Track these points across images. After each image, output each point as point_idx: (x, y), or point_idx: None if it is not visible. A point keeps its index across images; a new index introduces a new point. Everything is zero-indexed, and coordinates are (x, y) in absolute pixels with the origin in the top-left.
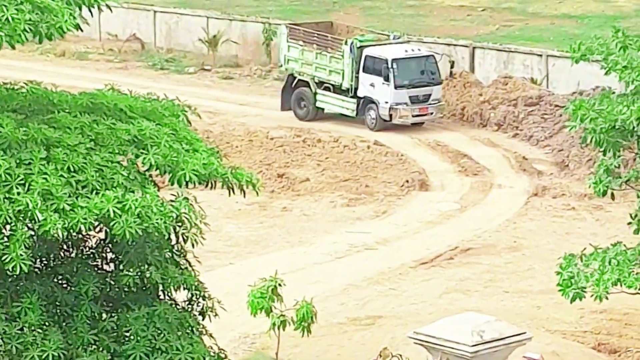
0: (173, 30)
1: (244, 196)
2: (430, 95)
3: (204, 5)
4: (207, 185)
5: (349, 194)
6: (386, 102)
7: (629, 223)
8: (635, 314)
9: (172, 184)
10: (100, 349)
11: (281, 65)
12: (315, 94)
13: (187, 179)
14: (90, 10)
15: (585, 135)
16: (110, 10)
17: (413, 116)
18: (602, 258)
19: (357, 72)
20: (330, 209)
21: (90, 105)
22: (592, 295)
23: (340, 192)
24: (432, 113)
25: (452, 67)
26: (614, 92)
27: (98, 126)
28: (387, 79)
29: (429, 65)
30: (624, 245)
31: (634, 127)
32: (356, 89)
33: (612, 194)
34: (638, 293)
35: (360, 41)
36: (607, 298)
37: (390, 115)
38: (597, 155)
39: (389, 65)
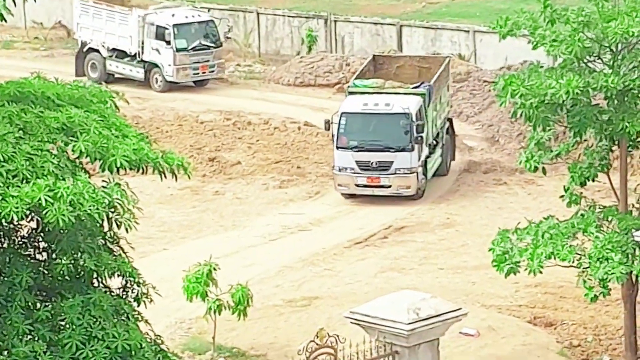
0: None
1: (176, 180)
2: (391, 163)
3: None
4: (138, 171)
5: (281, 176)
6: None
7: (562, 196)
8: (569, 287)
9: (103, 171)
10: (36, 338)
11: None
12: None
13: (118, 165)
14: (14, 0)
15: (515, 110)
16: None
17: (357, 185)
18: (535, 232)
19: None
20: (263, 191)
21: (17, 94)
22: (526, 270)
23: (272, 174)
24: (389, 186)
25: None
26: (542, 66)
27: (26, 115)
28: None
29: (398, 125)
30: (557, 219)
31: (563, 101)
32: None
33: (544, 169)
34: (572, 266)
35: (356, 86)
36: (541, 272)
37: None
38: (527, 130)
39: (336, 120)
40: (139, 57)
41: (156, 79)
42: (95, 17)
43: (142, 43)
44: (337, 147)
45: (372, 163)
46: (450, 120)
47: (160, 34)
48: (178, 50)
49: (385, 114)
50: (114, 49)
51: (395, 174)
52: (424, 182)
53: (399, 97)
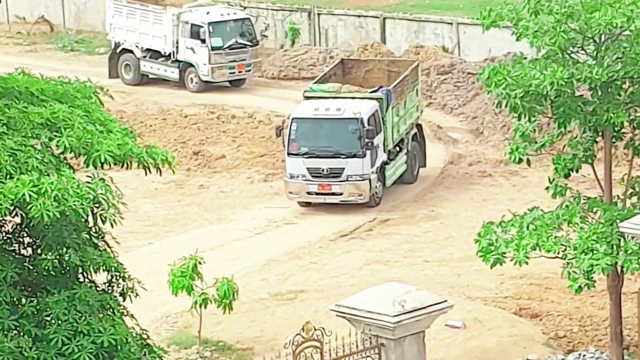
0: (82, 11)
1: (160, 175)
2: (342, 169)
3: None
4: (122, 166)
5: (265, 169)
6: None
7: (547, 188)
8: (554, 278)
9: (88, 166)
10: (22, 334)
11: None
12: None
13: (103, 160)
14: None
15: (500, 100)
16: None
17: (308, 193)
18: (519, 224)
19: None
20: (248, 184)
21: (1, 90)
22: (512, 260)
23: (257, 167)
24: (340, 194)
25: None
26: (525, 58)
27: (10, 110)
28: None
29: (349, 130)
30: (541, 210)
31: (547, 92)
32: None
33: (528, 161)
34: (557, 257)
35: (312, 90)
36: (527, 263)
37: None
38: (512, 121)
39: (287, 126)
40: (173, 56)
41: (191, 78)
42: (129, 17)
43: (177, 42)
44: (289, 154)
45: (323, 170)
46: (419, 125)
47: (195, 33)
48: (213, 49)
49: (336, 119)
50: (148, 49)
51: (347, 181)
52: (380, 189)
53: (352, 101)
